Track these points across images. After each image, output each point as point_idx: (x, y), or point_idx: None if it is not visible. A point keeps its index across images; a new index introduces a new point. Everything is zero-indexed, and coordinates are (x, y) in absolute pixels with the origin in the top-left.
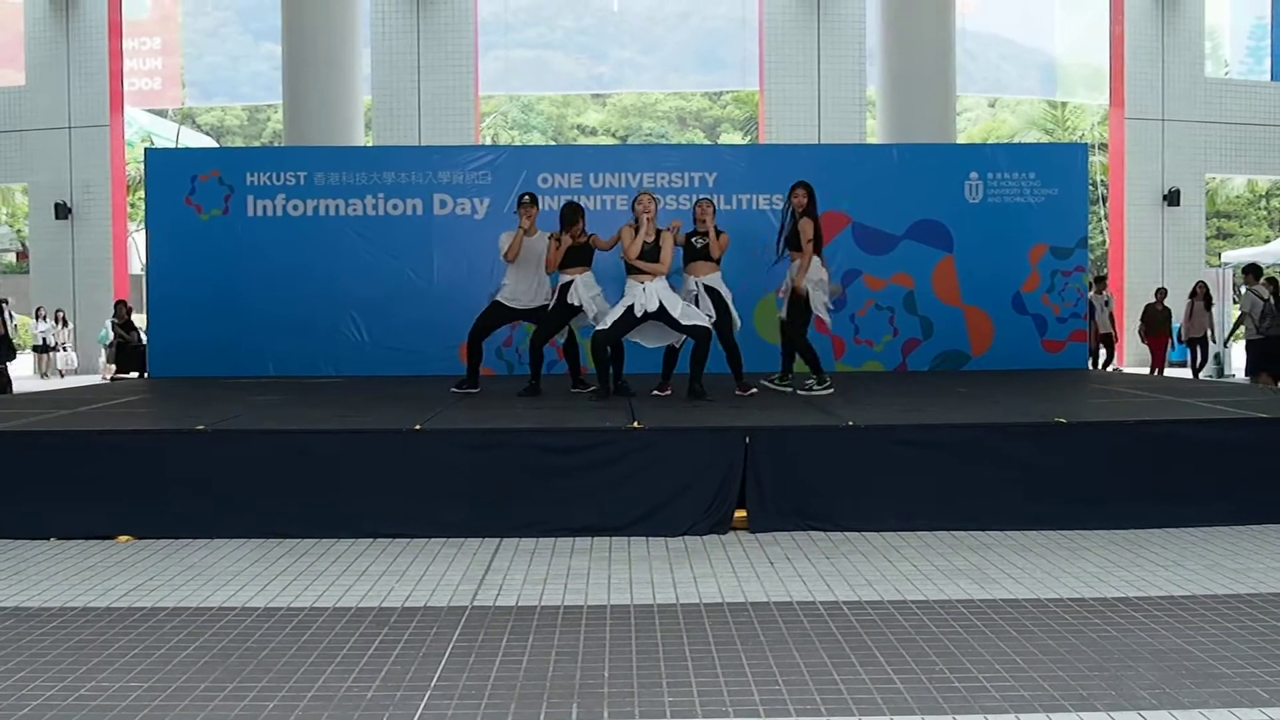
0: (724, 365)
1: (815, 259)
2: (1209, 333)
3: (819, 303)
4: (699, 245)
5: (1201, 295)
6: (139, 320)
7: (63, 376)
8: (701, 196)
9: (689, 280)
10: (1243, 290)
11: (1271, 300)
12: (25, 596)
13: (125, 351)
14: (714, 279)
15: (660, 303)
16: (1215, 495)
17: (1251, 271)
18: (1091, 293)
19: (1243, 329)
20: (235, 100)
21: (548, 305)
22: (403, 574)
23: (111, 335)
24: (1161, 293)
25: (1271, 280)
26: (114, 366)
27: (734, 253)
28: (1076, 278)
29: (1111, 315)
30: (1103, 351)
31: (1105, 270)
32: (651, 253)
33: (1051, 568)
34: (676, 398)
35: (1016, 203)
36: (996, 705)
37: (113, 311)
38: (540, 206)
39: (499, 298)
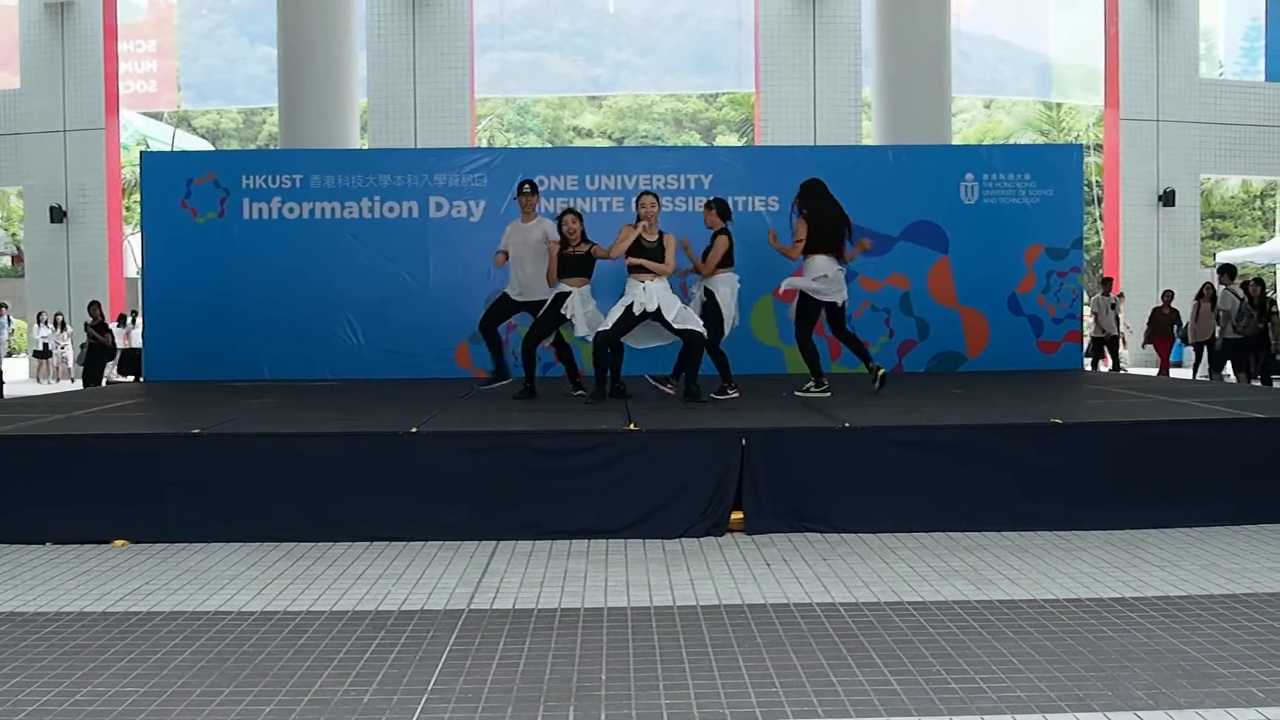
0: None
1: (818, 257)
2: (1216, 334)
3: (819, 294)
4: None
5: (1209, 297)
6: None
7: (72, 381)
8: (707, 199)
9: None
10: (1219, 290)
11: (1247, 300)
12: (21, 601)
13: (98, 353)
14: (713, 281)
15: (658, 303)
16: (1211, 495)
17: (1226, 271)
18: (1099, 294)
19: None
20: (231, 103)
21: (545, 301)
22: (399, 577)
23: (115, 340)
24: (1168, 295)
25: (1259, 281)
26: (82, 368)
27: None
28: (1072, 278)
29: (1118, 317)
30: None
31: (1101, 270)
32: (654, 253)
33: (1048, 568)
34: (673, 399)
35: (1012, 204)
36: (993, 706)
37: (86, 312)
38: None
39: (505, 289)
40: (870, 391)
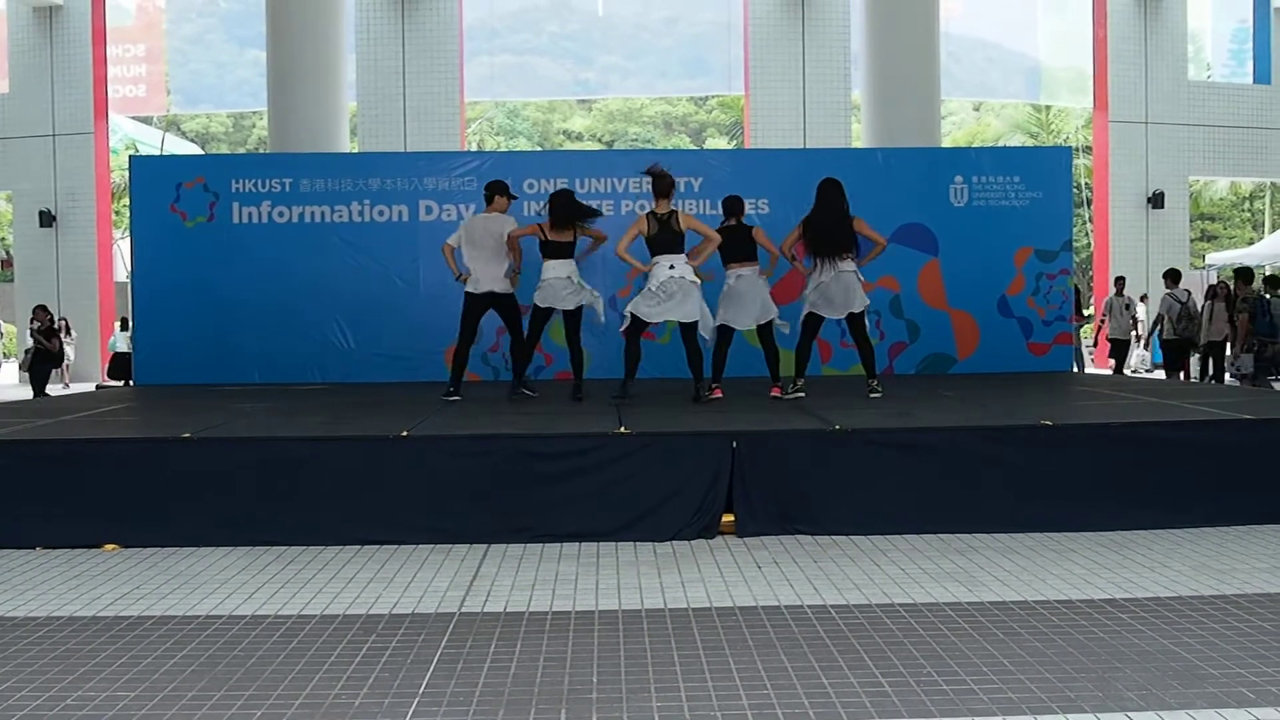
0: (709, 367)
1: (817, 264)
2: (1228, 336)
3: (808, 301)
4: None
5: (1222, 296)
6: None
7: (67, 387)
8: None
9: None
10: (1163, 293)
11: (1186, 305)
12: (11, 606)
13: (43, 360)
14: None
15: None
16: (1201, 497)
17: (1170, 275)
18: (1112, 294)
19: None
20: (220, 107)
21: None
22: (390, 580)
23: (120, 344)
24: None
25: (1245, 281)
26: (27, 374)
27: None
28: (1061, 280)
29: (1135, 318)
30: (1135, 353)
31: (1091, 272)
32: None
33: (1038, 570)
34: (659, 402)
35: (1001, 206)
36: (984, 708)
37: (32, 317)
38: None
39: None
40: (860, 394)
